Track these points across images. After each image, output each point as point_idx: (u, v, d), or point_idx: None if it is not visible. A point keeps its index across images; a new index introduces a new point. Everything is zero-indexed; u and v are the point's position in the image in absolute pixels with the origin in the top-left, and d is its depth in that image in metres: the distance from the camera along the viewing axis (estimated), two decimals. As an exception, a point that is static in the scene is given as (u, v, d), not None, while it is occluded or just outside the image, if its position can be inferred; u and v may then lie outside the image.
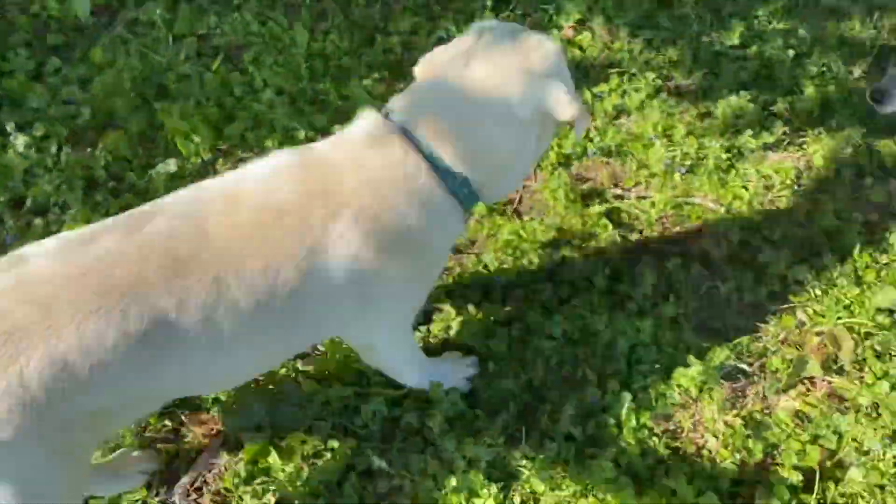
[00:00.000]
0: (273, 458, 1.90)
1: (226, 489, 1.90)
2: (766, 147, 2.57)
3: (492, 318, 2.17)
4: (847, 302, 2.20)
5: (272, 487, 1.87)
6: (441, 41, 2.76)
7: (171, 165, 2.40)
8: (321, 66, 2.68)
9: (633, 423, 1.98)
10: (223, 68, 2.64)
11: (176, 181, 2.31)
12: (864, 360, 2.11)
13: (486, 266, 2.29)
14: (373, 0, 2.89)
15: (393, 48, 2.74)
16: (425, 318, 2.16)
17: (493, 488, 1.87)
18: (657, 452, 1.94)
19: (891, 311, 2.17)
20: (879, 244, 2.34)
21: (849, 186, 2.49)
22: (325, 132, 2.54)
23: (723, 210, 2.41)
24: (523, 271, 2.28)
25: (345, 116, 2.51)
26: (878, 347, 2.12)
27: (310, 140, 2.48)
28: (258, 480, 1.90)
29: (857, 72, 2.76)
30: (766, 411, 2.05)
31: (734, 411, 2.03)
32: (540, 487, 1.89)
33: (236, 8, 2.82)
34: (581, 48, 2.78)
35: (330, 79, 2.64)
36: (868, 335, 2.14)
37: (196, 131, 2.43)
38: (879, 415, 2.00)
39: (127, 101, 2.51)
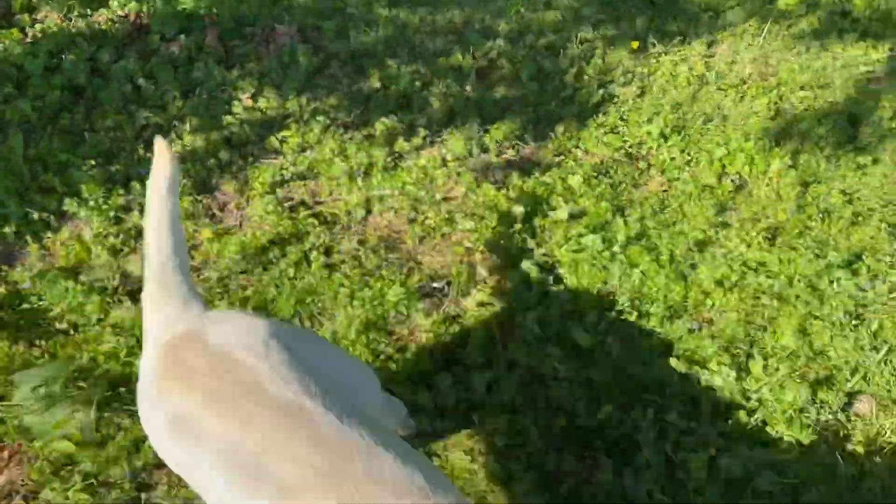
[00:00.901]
0: None
1: None
2: (418, 148, 3.41)
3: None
4: (494, 224, 3.02)
5: None
6: (143, 129, 3.35)
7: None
8: (41, 167, 3.09)
9: (365, 340, 2.56)
10: (-54, 186, 2.95)
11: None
12: (513, 256, 2.92)
13: (222, 278, 2.80)
14: (76, 110, 3.38)
15: (102, 141, 3.24)
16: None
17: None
18: (385, 354, 2.53)
19: (523, 221, 3.02)
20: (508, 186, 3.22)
21: (478, 160, 3.39)
22: (56, 213, 2.95)
23: (397, 194, 3.17)
24: (249, 271, 2.83)
25: (75, 194, 2.97)
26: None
27: (44, 221, 2.91)
28: None
29: (468, 88, 3.75)
30: (459, 309, 2.76)
31: (437, 314, 2.70)
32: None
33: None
34: (261, 110, 3.49)
35: (52, 173, 3.06)
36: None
37: (-67, 234, 2.71)
38: (532, 289, 2.79)
39: None
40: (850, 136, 3.52)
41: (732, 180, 3.29)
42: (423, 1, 4.32)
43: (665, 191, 3.26)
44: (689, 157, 3.41)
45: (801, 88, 3.84)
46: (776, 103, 3.73)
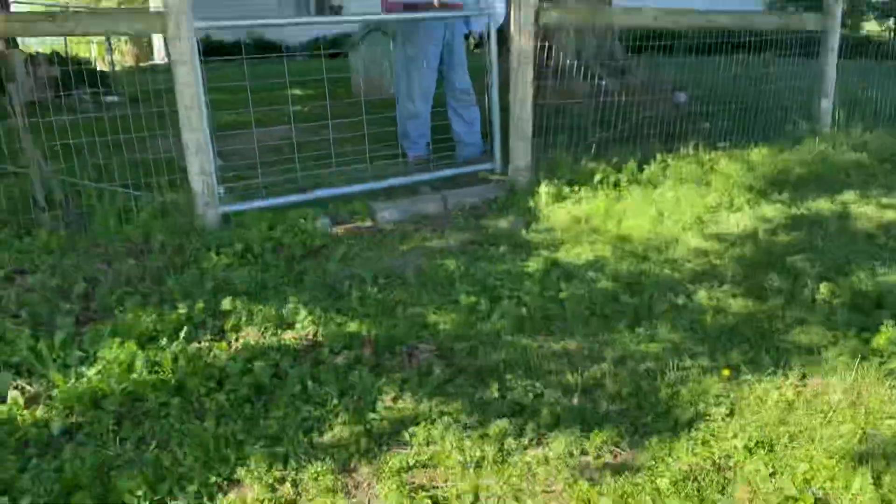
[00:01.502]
0: None
1: None
2: (525, 447, 3.96)
3: None
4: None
5: None
6: (304, 420, 4.16)
7: (124, 513, 3.42)
8: (223, 441, 3.93)
9: None
10: (155, 453, 3.82)
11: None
12: None
13: None
14: (257, 402, 4.30)
15: (272, 427, 4.08)
16: None
17: None
18: None
19: None
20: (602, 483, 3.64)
21: (577, 461, 3.87)
22: (229, 481, 3.70)
23: (502, 483, 3.67)
24: None
25: (245, 465, 3.73)
26: None
27: (218, 484, 3.66)
28: None
29: (573, 401, 4.35)
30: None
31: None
32: None
33: (143, 442, 4.11)
34: (399, 409, 4.24)
35: (232, 448, 3.88)
36: None
37: (139, 488, 3.52)
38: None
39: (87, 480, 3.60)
40: (940, 461, 3.72)
41: (813, 493, 3.53)
42: (542, 330, 5.17)
43: (750, 499, 3.54)
44: (773, 470, 3.71)
45: (891, 417, 4.13)
46: (863, 428, 4.02)
